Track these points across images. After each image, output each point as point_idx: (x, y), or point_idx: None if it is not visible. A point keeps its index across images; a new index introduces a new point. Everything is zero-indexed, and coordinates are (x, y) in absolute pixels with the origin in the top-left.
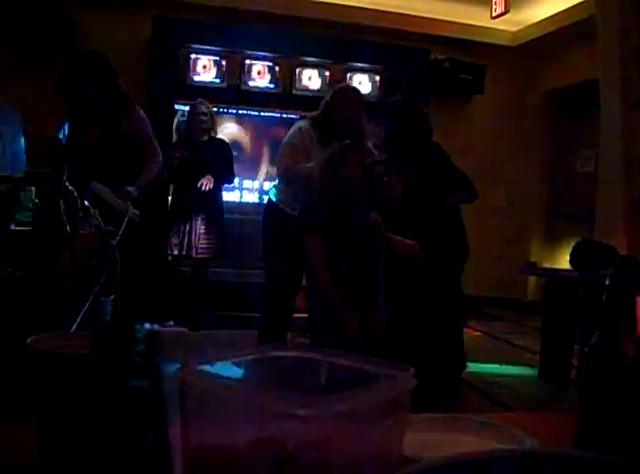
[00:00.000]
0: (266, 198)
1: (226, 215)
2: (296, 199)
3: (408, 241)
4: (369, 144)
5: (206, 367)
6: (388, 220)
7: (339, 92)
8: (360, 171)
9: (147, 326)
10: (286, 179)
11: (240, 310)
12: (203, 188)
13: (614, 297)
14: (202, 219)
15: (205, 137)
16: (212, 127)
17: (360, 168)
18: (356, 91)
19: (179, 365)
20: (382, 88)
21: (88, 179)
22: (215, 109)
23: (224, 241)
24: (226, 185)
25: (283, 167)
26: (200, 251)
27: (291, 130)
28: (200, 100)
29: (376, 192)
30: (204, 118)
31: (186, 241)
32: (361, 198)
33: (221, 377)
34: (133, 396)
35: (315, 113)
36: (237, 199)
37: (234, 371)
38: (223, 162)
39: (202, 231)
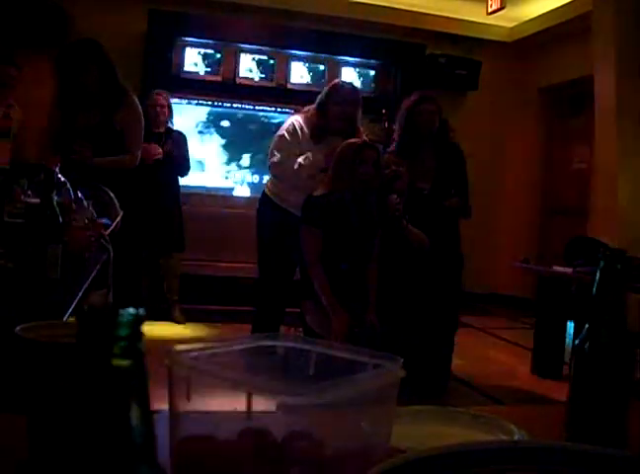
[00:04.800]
0: (257, 191)
1: (221, 210)
2: (290, 193)
3: (421, 233)
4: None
5: (195, 356)
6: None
7: (335, 88)
8: (374, 170)
9: (132, 310)
10: (274, 173)
11: (234, 304)
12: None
13: (604, 291)
14: (158, 211)
15: (162, 129)
16: (168, 119)
17: (375, 167)
18: (352, 88)
19: (167, 354)
20: (377, 83)
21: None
22: (210, 102)
23: (181, 233)
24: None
25: (274, 161)
26: (155, 243)
27: (285, 124)
28: (157, 90)
29: (383, 181)
30: (162, 109)
31: (143, 234)
32: (371, 199)
33: (210, 366)
34: (118, 379)
35: (310, 107)
36: (228, 193)
37: (223, 361)
38: (179, 154)
39: (159, 223)
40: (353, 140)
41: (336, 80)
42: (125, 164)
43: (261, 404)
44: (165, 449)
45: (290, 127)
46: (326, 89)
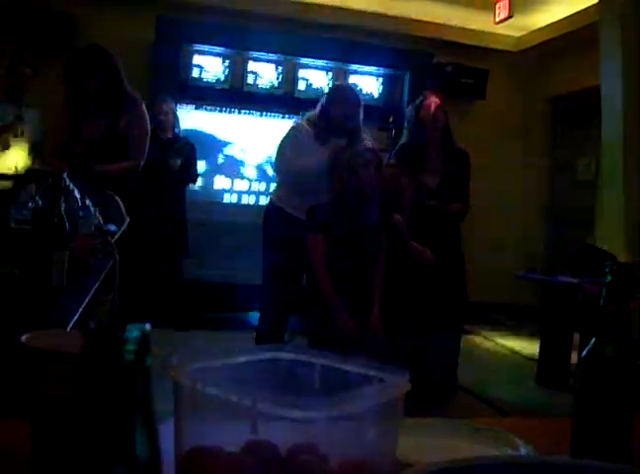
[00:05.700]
0: (263, 200)
1: (227, 217)
2: (296, 197)
3: (426, 251)
4: (369, 145)
5: (200, 369)
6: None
7: (336, 89)
8: (377, 175)
9: (139, 326)
10: (279, 173)
11: (238, 311)
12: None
13: (611, 304)
14: (164, 218)
15: (170, 134)
16: (174, 125)
17: (377, 172)
18: (352, 88)
19: (172, 366)
20: (384, 91)
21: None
22: (218, 109)
23: (185, 240)
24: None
25: (279, 162)
26: (160, 250)
27: (289, 129)
28: (161, 96)
29: (386, 195)
30: (164, 117)
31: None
32: (373, 202)
33: (215, 379)
34: (124, 395)
35: (312, 112)
36: (235, 201)
37: (228, 373)
38: (186, 161)
39: (164, 230)
40: (354, 147)
41: (337, 82)
42: (127, 171)
43: (265, 417)
44: (169, 462)
45: (295, 130)
46: (327, 91)
